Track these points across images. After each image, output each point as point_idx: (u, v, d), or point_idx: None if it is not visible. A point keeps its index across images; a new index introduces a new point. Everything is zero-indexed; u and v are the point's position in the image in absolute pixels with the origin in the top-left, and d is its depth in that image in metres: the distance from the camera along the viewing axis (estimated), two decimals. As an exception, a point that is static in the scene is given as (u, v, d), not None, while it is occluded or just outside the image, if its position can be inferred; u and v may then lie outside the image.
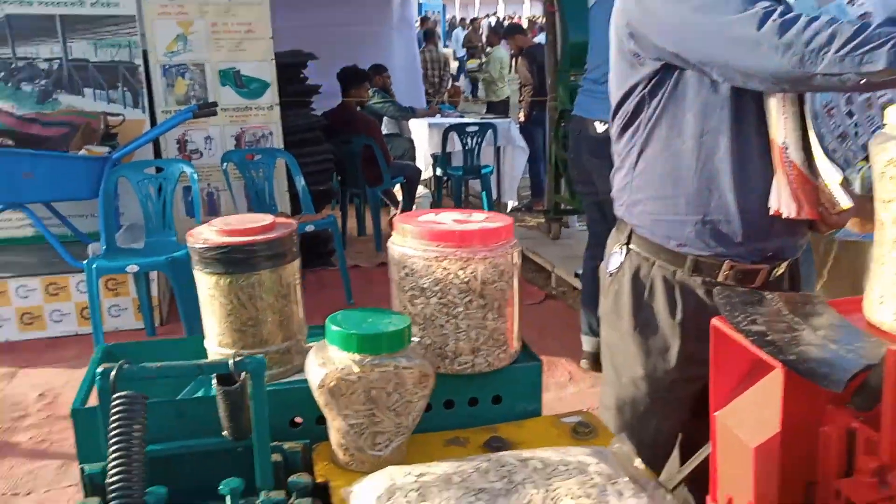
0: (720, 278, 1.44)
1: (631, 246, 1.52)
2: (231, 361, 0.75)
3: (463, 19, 18.53)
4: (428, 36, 10.16)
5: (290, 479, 0.80)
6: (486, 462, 0.77)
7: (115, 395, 0.70)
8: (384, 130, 6.38)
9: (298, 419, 0.97)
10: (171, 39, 4.39)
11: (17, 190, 3.70)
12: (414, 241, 0.95)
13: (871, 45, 1.09)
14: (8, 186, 3.68)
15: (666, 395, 1.48)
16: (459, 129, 5.77)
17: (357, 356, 0.84)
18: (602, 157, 2.27)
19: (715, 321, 1.33)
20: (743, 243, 1.43)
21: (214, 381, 0.78)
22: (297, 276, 0.98)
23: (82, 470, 0.84)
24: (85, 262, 3.60)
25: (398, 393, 0.86)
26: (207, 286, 0.93)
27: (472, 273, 0.92)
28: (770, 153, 1.37)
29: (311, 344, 1.08)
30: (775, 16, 1.15)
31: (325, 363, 0.85)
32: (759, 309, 1.30)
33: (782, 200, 1.36)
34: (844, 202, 1.36)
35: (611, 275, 1.54)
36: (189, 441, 0.87)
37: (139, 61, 4.36)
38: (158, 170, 3.91)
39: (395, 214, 6.35)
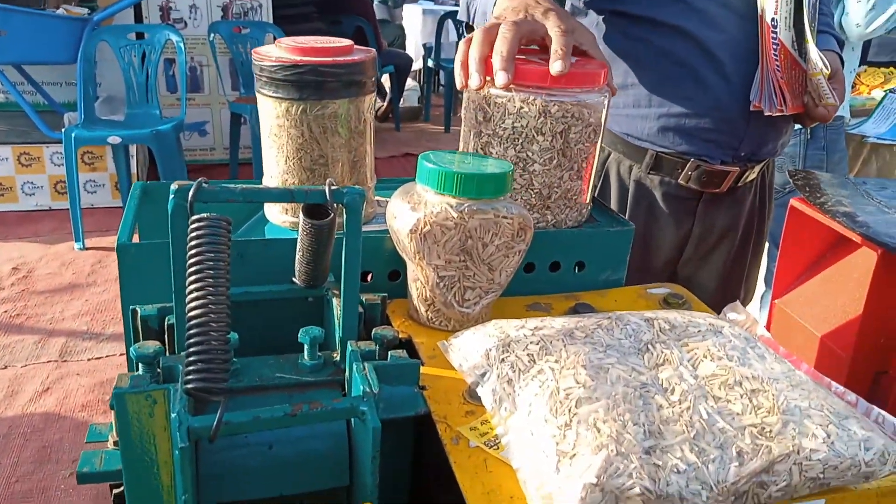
0: (681, 179, 1.28)
1: None
2: (327, 189, 0.63)
3: None
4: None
5: (375, 331, 0.70)
6: (607, 319, 0.68)
7: (194, 218, 0.58)
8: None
9: (367, 275, 0.87)
10: None
11: (-12, 48, 3.44)
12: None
13: None
14: (-22, 44, 3.42)
15: None
16: (457, 16, 5.53)
17: (454, 200, 0.73)
18: None
19: (794, 202, 1.24)
20: (713, 140, 1.25)
21: (301, 215, 0.67)
22: (372, 113, 0.86)
23: (133, 312, 0.73)
24: (62, 131, 3.42)
25: (495, 245, 0.76)
26: (276, 115, 0.79)
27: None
28: (750, 37, 1.18)
29: (378, 196, 0.97)
30: None
31: (417, 206, 0.74)
32: (842, 191, 1.22)
33: (763, 93, 1.19)
34: (831, 98, 1.19)
35: None
36: (251, 287, 0.77)
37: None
38: (139, 36, 3.67)
39: (381, 107, 6.13)
